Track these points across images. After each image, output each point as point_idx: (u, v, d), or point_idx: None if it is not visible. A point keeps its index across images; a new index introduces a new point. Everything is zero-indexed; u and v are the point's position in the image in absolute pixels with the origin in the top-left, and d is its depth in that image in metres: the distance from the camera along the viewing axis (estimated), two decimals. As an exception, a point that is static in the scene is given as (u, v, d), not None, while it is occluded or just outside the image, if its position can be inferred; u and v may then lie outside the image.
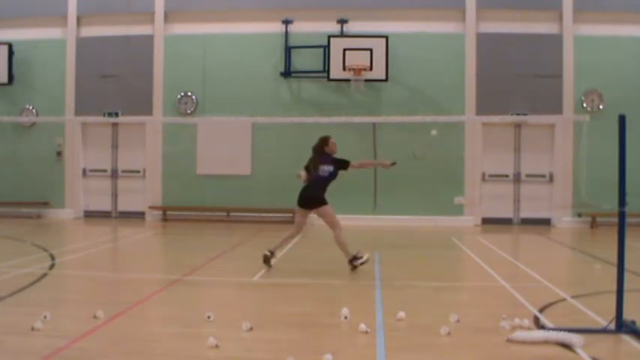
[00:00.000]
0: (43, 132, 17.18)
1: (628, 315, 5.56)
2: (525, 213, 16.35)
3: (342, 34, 16.31)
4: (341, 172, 9.08)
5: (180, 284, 7.94)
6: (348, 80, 15.97)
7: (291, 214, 16.46)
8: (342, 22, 16.45)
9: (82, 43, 17.28)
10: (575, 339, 5.07)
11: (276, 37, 16.58)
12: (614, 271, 5.77)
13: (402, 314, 5.99)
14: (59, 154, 17.31)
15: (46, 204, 17.25)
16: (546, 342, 5.15)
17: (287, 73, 16.51)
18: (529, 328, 5.60)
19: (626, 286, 5.65)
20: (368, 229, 14.45)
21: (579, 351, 4.94)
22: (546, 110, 15.85)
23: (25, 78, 17.29)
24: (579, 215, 15.83)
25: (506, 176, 16.47)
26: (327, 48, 15.93)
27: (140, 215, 17.07)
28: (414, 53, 16.26)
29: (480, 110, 16.03)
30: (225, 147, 16.61)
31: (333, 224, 8.89)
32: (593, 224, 15.65)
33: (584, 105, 15.90)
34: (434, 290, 7.66)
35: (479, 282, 8.57)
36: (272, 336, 5.47)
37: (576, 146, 15.58)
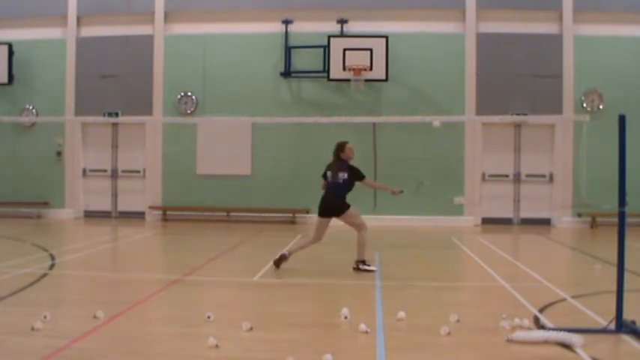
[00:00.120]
0: (43, 132, 17.18)
1: (628, 315, 5.55)
2: (525, 213, 16.36)
3: (342, 34, 16.32)
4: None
5: (180, 284, 7.94)
6: (348, 80, 15.97)
7: (291, 214, 16.50)
8: (342, 22, 16.45)
9: (82, 43, 17.28)
10: (575, 339, 5.07)
11: (276, 37, 16.58)
12: (614, 271, 5.77)
13: (402, 314, 5.99)
14: (59, 154, 17.31)
15: (46, 204, 17.25)
16: (546, 342, 5.15)
17: (287, 73, 16.51)
18: (529, 328, 5.60)
19: (626, 286, 5.65)
20: (368, 229, 14.41)
21: (579, 351, 4.94)
22: (546, 110, 15.85)
23: (25, 78, 17.29)
24: (579, 215, 15.83)
25: (506, 176, 16.47)
26: (327, 48, 15.93)
27: (140, 215, 17.07)
28: (414, 53, 16.27)
29: (480, 110, 16.04)
30: (225, 147, 16.61)
31: (358, 226, 8.85)
32: (593, 224, 15.65)
33: (584, 105, 15.90)
34: (434, 290, 7.67)
35: (479, 282, 8.57)
36: (272, 336, 5.47)
37: (576, 146, 15.58)
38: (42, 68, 17.31)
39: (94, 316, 5.86)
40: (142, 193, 17.21)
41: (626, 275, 5.73)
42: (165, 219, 16.83)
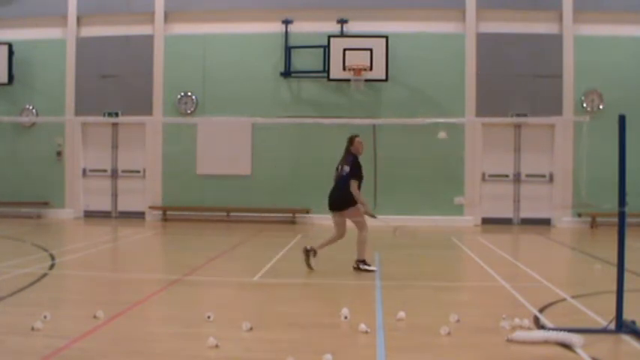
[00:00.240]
0: (43, 132, 17.18)
1: (628, 315, 5.55)
2: (525, 213, 16.36)
3: (342, 34, 16.32)
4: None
5: (180, 284, 7.94)
6: (348, 80, 15.98)
7: (291, 214, 16.50)
8: (342, 22, 16.45)
9: (82, 43, 17.28)
10: (575, 339, 5.07)
11: (276, 37, 16.58)
12: (614, 271, 5.76)
13: (402, 314, 5.99)
14: (59, 154, 17.31)
15: (46, 204, 17.24)
16: (546, 342, 5.15)
17: (287, 73, 16.51)
18: (529, 328, 5.60)
19: (626, 286, 5.65)
20: (368, 229, 14.41)
21: (579, 351, 4.94)
22: (546, 110, 15.85)
23: (25, 78, 17.29)
24: (579, 215, 15.83)
25: (506, 176, 16.47)
26: (327, 48, 15.93)
27: (140, 215, 17.07)
28: (414, 53, 16.26)
29: (480, 110, 16.04)
30: (225, 147, 16.61)
31: (359, 225, 8.82)
32: (593, 224, 15.65)
33: (584, 105, 15.90)
34: (434, 290, 7.67)
35: (479, 282, 8.57)
36: (272, 336, 5.47)
37: (576, 146, 15.59)
38: (42, 68, 17.30)
39: (94, 316, 5.86)
40: (142, 193, 17.21)
41: (626, 275, 5.73)
42: (165, 219, 16.83)
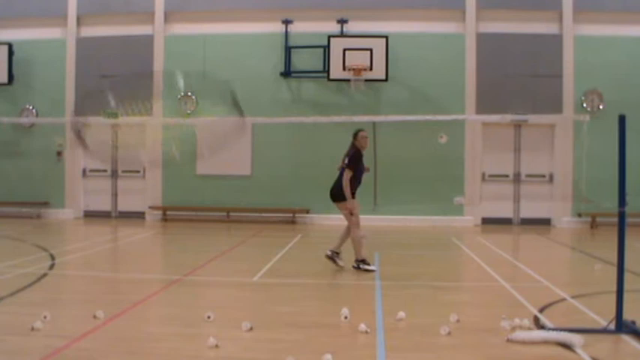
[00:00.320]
0: (43, 132, 17.18)
1: (628, 315, 5.56)
2: (525, 213, 16.35)
3: (342, 34, 16.32)
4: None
5: (180, 284, 7.94)
6: (348, 80, 15.98)
7: (291, 214, 16.50)
8: (342, 22, 16.46)
9: (82, 43, 17.29)
10: (575, 339, 5.07)
11: (276, 37, 16.59)
12: (614, 271, 5.77)
13: (402, 314, 5.99)
14: (59, 154, 17.31)
15: (46, 204, 17.25)
16: (546, 342, 5.15)
17: (287, 73, 16.51)
18: (529, 328, 5.60)
19: (626, 286, 5.65)
20: (368, 229, 14.40)
21: (579, 351, 4.94)
22: (546, 110, 15.86)
23: (25, 78, 17.29)
24: (579, 215, 15.83)
25: (506, 176, 16.47)
26: (327, 48, 15.93)
27: (140, 215, 17.07)
28: (414, 53, 16.27)
29: (480, 110, 16.05)
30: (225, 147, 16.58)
31: (351, 223, 8.83)
32: (593, 224, 15.65)
33: (584, 105, 15.90)
34: (434, 290, 7.66)
35: (479, 282, 8.56)
36: (272, 336, 5.47)
37: (576, 146, 15.59)
38: (42, 68, 17.31)
39: (94, 316, 5.87)
40: (142, 193, 17.21)
41: (626, 275, 5.73)
42: (165, 219, 16.83)
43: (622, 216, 5.67)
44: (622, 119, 5.78)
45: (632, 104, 14.43)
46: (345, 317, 5.96)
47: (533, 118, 15.96)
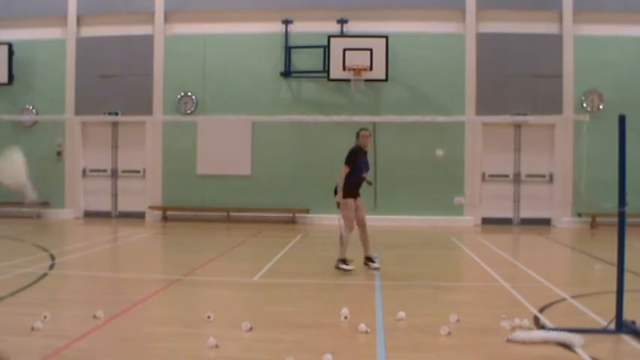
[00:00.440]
0: (43, 132, 17.18)
1: (628, 315, 5.56)
2: (525, 213, 16.36)
3: (342, 34, 16.31)
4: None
5: (180, 284, 7.93)
6: (348, 80, 15.98)
7: (291, 214, 16.50)
8: (342, 22, 16.45)
9: (82, 43, 17.28)
10: (575, 339, 5.07)
11: (276, 37, 16.59)
12: (614, 271, 5.77)
13: (402, 314, 5.99)
14: (59, 154, 17.31)
15: (46, 204, 17.24)
16: (546, 342, 5.15)
17: (287, 73, 16.51)
18: (529, 328, 5.59)
19: (626, 286, 5.65)
20: (368, 229, 14.42)
21: (579, 351, 4.94)
22: (546, 110, 15.85)
23: (25, 78, 17.29)
24: (579, 215, 15.83)
25: (507, 176, 16.47)
26: (327, 48, 15.93)
27: (140, 215, 17.07)
28: (414, 53, 16.27)
29: (480, 110, 16.04)
30: (225, 147, 16.61)
31: (344, 222, 8.80)
32: (593, 224, 15.65)
33: (584, 105, 15.90)
34: (434, 290, 7.66)
35: (479, 282, 8.56)
36: (272, 336, 5.47)
37: (576, 146, 15.60)
38: (42, 68, 17.30)
39: (94, 316, 5.86)
40: (142, 193, 17.20)
41: (626, 275, 5.73)
42: (165, 219, 16.83)
43: (622, 216, 5.67)
44: (622, 119, 5.78)
45: (632, 104, 14.44)
46: (345, 317, 5.96)
47: (533, 118, 15.97)
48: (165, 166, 16.98)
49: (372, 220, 15.65)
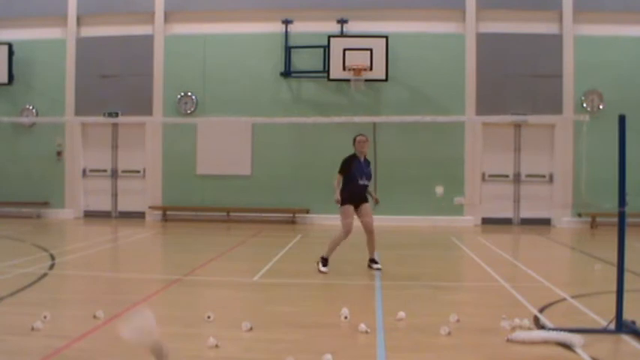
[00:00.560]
0: (43, 132, 17.18)
1: (628, 315, 5.56)
2: (525, 213, 16.36)
3: (342, 34, 16.32)
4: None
5: (180, 284, 7.93)
6: (348, 80, 15.98)
7: (291, 214, 16.50)
8: (342, 22, 16.46)
9: (82, 43, 17.29)
10: (575, 339, 5.07)
11: (276, 37, 16.59)
12: (614, 271, 5.77)
13: (402, 314, 5.99)
14: (59, 154, 17.32)
15: (46, 204, 17.25)
16: (546, 342, 5.15)
17: (287, 73, 16.52)
18: (529, 328, 5.59)
19: (626, 286, 5.65)
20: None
21: (579, 351, 4.94)
22: (546, 110, 15.86)
23: (25, 78, 17.30)
24: (579, 215, 15.83)
25: (507, 176, 16.47)
26: (327, 48, 15.93)
27: (140, 215, 17.07)
28: (414, 53, 16.27)
29: (480, 110, 16.05)
30: (225, 147, 16.61)
31: (342, 226, 8.78)
32: (593, 224, 15.65)
33: (584, 105, 15.90)
34: (434, 290, 7.66)
35: (479, 282, 8.56)
36: (272, 336, 5.47)
37: (576, 146, 15.60)
38: (42, 68, 17.31)
39: (94, 316, 5.86)
40: (142, 193, 17.21)
41: (626, 275, 5.73)
42: (165, 219, 16.84)
43: (622, 216, 5.67)
44: (622, 119, 5.78)
45: (632, 104, 14.45)
46: (345, 317, 5.96)
47: (533, 118, 15.96)
48: (165, 166, 16.98)
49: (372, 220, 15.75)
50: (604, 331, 5.52)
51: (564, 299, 7.01)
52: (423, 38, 16.39)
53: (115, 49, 17.09)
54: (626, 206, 5.69)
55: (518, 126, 16.41)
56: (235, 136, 16.60)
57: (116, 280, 8.42)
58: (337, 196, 8.68)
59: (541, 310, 6.40)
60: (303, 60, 16.54)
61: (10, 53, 17.02)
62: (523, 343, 5.16)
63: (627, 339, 5.34)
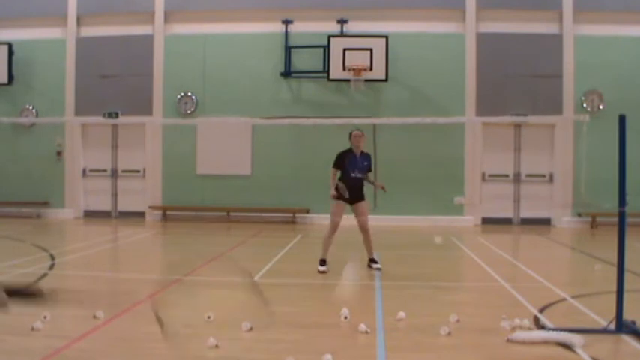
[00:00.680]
0: (43, 132, 17.18)
1: (628, 315, 5.55)
2: (525, 213, 16.36)
3: (342, 34, 16.32)
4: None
5: (180, 284, 7.93)
6: (348, 80, 15.97)
7: (291, 214, 16.49)
8: (342, 22, 16.46)
9: (82, 43, 17.29)
10: (575, 339, 5.07)
11: (276, 37, 16.59)
12: (614, 271, 5.76)
13: (402, 314, 5.99)
14: (59, 154, 17.31)
15: (46, 204, 17.25)
16: (546, 342, 5.15)
17: (287, 73, 16.52)
18: (529, 328, 5.59)
19: (626, 286, 5.65)
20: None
21: (579, 351, 4.94)
22: (546, 110, 15.86)
23: (25, 78, 17.29)
24: (579, 215, 15.83)
25: (507, 176, 16.47)
26: (327, 48, 15.93)
27: (140, 215, 17.07)
28: (414, 53, 16.27)
29: (480, 110, 16.05)
30: (225, 147, 16.61)
31: (330, 221, 8.87)
32: (593, 224, 15.65)
33: (584, 105, 15.90)
34: (434, 290, 7.66)
35: (479, 282, 8.56)
36: (272, 336, 5.46)
37: (576, 146, 15.59)
38: (42, 68, 17.31)
39: (94, 316, 5.86)
40: (142, 193, 17.21)
41: (626, 275, 5.73)
42: (165, 219, 16.83)
43: (622, 216, 5.67)
44: (622, 119, 5.78)
45: (632, 104, 14.45)
46: (345, 317, 5.96)
47: (533, 119, 15.96)
48: (165, 166, 16.98)
49: (373, 221, 15.65)
50: (604, 331, 5.51)
51: (564, 299, 7.01)
52: (423, 38, 16.39)
53: (115, 49, 17.09)
54: (626, 206, 5.69)
55: (518, 126, 16.41)
56: (235, 136, 16.61)
57: (116, 280, 8.42)
58: (333, 191, 8.71)
59: (541, 310, 6.40)
60: (303, 60, 16.54)
61: (10, 53, 17.02)
62: (523, 343, 5.16)
63: (627, 339, 5.34)
